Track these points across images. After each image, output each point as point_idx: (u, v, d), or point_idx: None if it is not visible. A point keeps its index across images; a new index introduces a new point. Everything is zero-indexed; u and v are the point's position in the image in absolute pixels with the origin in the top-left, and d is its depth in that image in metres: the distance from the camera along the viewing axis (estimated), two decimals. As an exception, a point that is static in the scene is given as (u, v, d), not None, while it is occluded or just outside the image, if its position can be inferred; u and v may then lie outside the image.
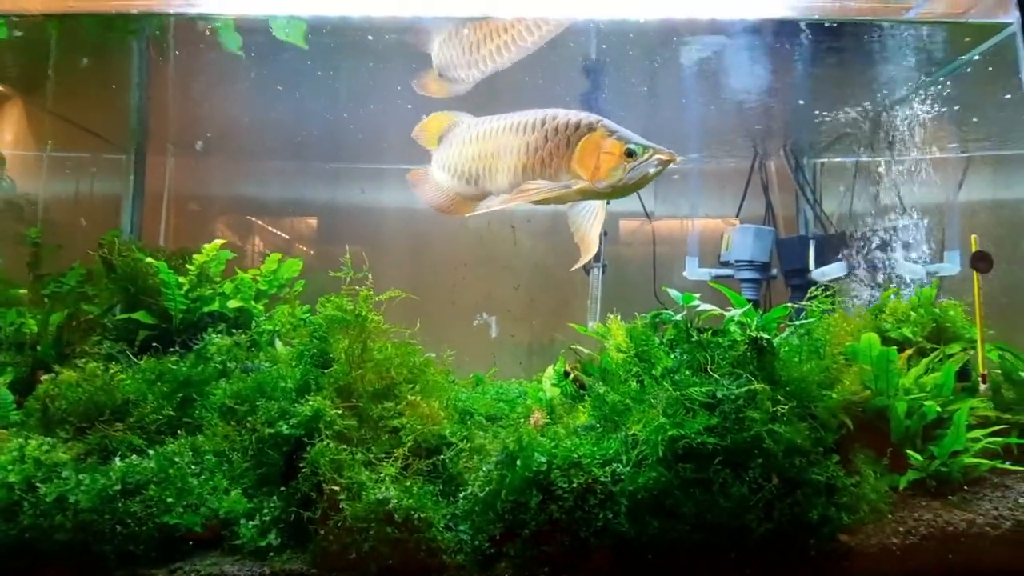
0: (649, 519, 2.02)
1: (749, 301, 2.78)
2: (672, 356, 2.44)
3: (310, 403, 2.22)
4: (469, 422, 2.64)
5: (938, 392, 2.47)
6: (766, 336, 2.29)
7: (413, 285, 2.63)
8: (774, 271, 4.43)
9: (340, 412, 2.24)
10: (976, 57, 3.38)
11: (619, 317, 2.74)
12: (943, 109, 3.70)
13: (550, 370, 3.09)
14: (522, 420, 2.62)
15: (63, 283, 3.43)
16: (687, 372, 2.28)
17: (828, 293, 2.88)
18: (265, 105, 4.21)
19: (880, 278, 3.77)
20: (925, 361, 2.57)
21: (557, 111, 2.53)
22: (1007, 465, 2.36)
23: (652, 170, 2.38)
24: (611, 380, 2.50)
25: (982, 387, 2.57)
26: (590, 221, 2.61)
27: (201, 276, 3.17)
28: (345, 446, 2.14)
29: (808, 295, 2.88)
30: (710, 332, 2.48)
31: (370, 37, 3.28)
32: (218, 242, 3.22)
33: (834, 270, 4.00)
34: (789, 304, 2.79)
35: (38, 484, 2.05)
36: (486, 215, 2.79)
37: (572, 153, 2.43)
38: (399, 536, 1.96)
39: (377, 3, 3.13)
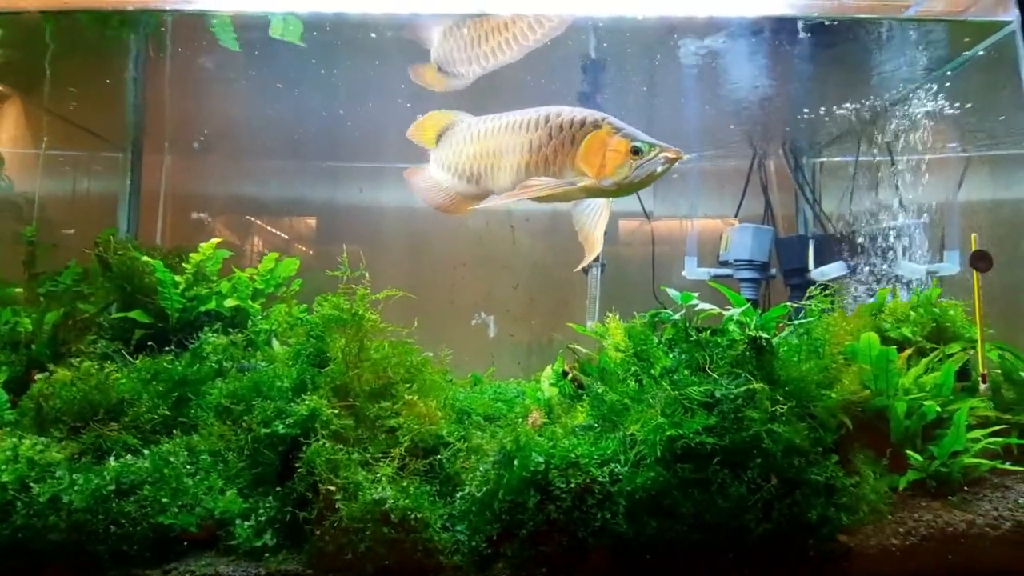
0: (647, 519, 2.01)
1: (748, 301, 2.77)
2: (671, 355, 2.42)
3: (306, 402, 2.21)
4: (467, 422, 2.63)
5: (938, 392, 2.45)
6: (765, 335, 2.28)
7: (411, 284, 2.62)
8: (773, 271, 4.42)
9: (336, 412, 2.22)
10: (975, 56, 3.37)
11: (618, 317, 2.73)
12: (942, 108, 3.69)
13: (548, 370, 3.08)
14: (520, 420, 2.60)
15: (59, 282, 3.42)
16: (686, 371, 2.27)
17: (827, 293, 2.86)
18: (263, 103, 4.20)
19: (880, 278, 3.77)
20: (925, 361, 2.56)
21: (561, 108, 2.51)
22: (1007, 465, 2.35)
23: (659, 168, 2.36)
24: (609, 380, 2.49)
25: (982, 387, 2.56)
26: (594, 220, 2.59)
27: (198, 275, 3.16)
28: (341, 446, 2.13)
29: (807, 295, 2.87)
30: (709, 331, 2.47)
31: (374, 35, 3.26)
32: (215, 241, 3.21)
33: (833, 270, 3.99)
34: (788, 304, 2.78)
35: (32, 484, 2.04)
36: (484, 215, 2.78)
37: (577, 150, 2.41)
38: (395, 536, 1.95)
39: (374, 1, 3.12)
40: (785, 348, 2.37)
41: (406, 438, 2.23)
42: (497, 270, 4.75)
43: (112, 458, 2.19)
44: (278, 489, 2.14)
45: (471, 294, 4.61)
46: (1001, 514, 2.17)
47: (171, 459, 2.18)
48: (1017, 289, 3.39)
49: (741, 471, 2.03)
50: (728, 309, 2.64)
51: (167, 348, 2.79)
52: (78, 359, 2.55)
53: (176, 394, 2.52)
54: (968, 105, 3.71)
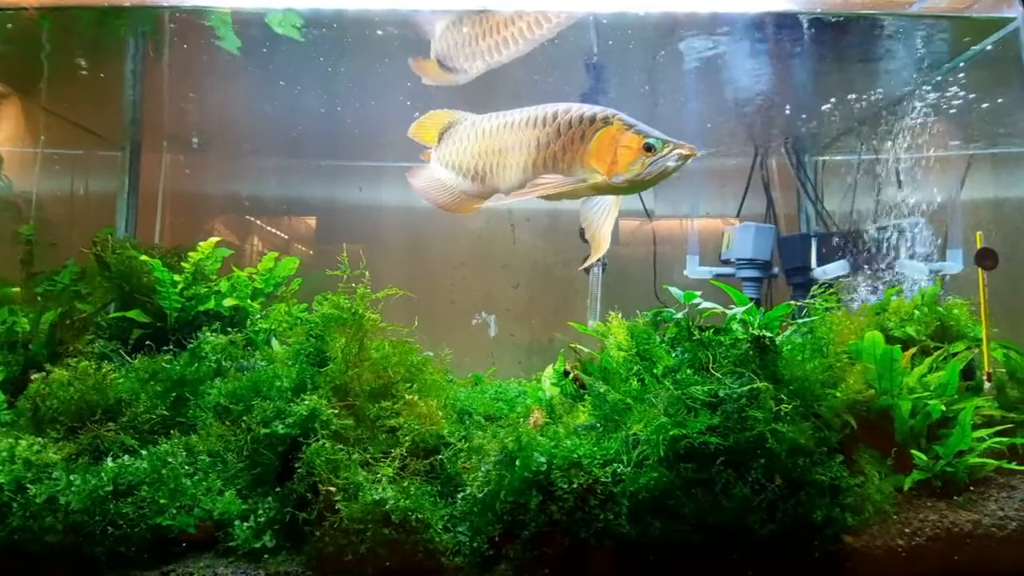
0: (650, 520, 1.99)
1: (750, 299, 2.75)
2: (673, 355, 2.41)
3: (306, 402, 2.19)
4: (468, 422, 2.62)
5: (942, 391, 2.44)
6: (769, 334, 2.27)
7: (412, 284, 2.61)
8: (775, 269, 4.40)
9: (336, 412, 2.21)
10: (978, 53, 3.35)
11: (620, 315, 2.71)
12: (945, 106, 3.67)
13: (550, 369, 3.06)
14: (521, 420, 2.59)
15: (56, 281, 3.40)
16: (689, 371, 2.25)
17: (831, 291, 2.85)
18: (262, 101, 4.18)
19: (883, 277, 3.75)
20: (929, 360, 2.54)
21: (569, 105, 2.47)
22: (1013, 465, 2.33)
23: (672, 164, 2.33)
24: (612, 379, 2.48)
25: (987, 386, 2.54)
26: (602, 218, 2.56)
27: (196, 274, 3.14)
28: (341, 446, 2.12)
29: (810, 293, 2.85)
30: (712, 330, 2.45)
31: (380, 32, 3.24)
32: (214, 240, 3.19)
33: (836, 268, 3.98)
34: (791, 302, 2.76)
35: (28, 485, 2.02)
36: (485, 214, 2.76)
37: (587, 147, 2.38)
38: (396, 538, 1.93)
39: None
40: (789, 347, 2.35)
41: (407, 438, 2.21)
42: (497, 269, 4.73)
43: (110, 459, 2.17)
44: (277, 490, 2.12)
45: (471, 293, 4.60)
46: (1007, 514, 2.15)
47: (169, 460, 2.17)
48: (1021, 287, 3.38)
49: (745, 471, 2.01)
50: (731, 308, 2.62)
51: (165, 348, 2.77)
52: (75, 359, 2.53)
53: (174, 394, 2.50)
54: (971, 103, 3.70)
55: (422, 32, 3.10)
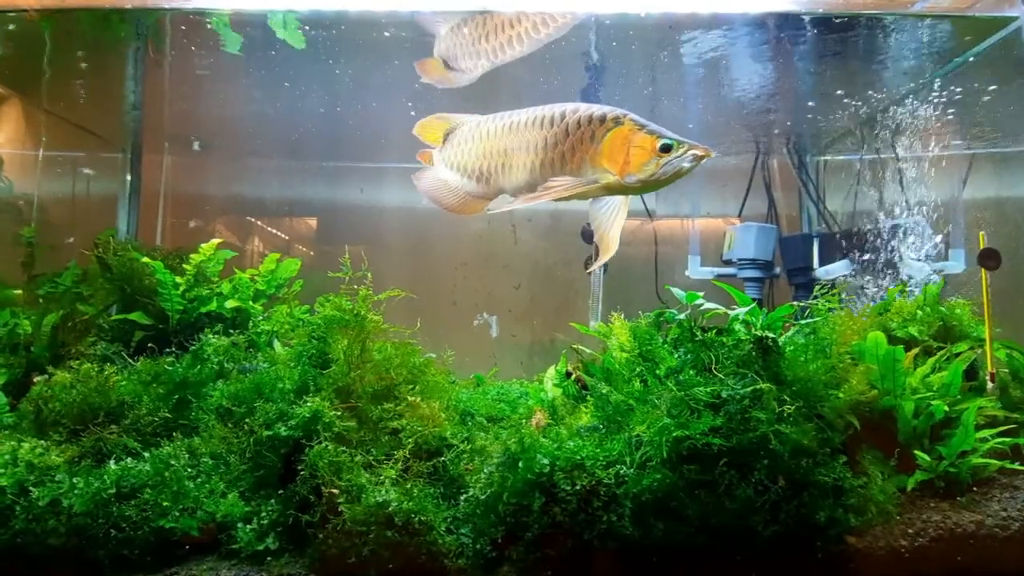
0: (653, 521, 1.99)
1: (752, 300, 2.75)
2: (676, 356, 2.40)
3: (308, 404, 2.19)
4: (470, 423, 2.61)
5: (945, 391, 2.43)
6: (771, 335, 2.26)
7: (413, 285, 2.61)
8: (777, 270, 4.40)
9: (339, 413, 2.21)
10: (980, 52, 3.34)
11: (622, 316, 2.71)
12: (947, 106, 3.67)
13: (552, 370, 3.06)
14: (524, 421, 2.59)
15: (58, 283, 3.40)
16: (691, 372, 2.25)
17: (833, 292, 2.84)
18: (263, 103, 4.18)
19: (885, 276, 3.74)
20: (932, 360, 2.54)
21: (577, 105, 2.45)
22: (1016, 465, 2.32)
23: (687, 165, 2.32)
24: (614, 380, 2.47)
25: (990, 386, 2.54)
26: (611, 219, 2.54)
27: (198, 276, 3.14)
28: (344, 448, 2.11)
29: (812, 294, 2.85)
30: (714, 331, 2.45)
31: (388, 34, 3.23)
32: (215, 242, 3.19)
33: (838, 268, 3.97)
34: (793, 303, 2.75)
35: (31, 488, 2.03)
36: (485, 214, 2.74)
37: (598, 147, 2.35)
38: (399, 540, 1.93)
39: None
40: (791, 348, 2.35)
41: (409, 440, 2.21)
42: (499, 270, 4.73)
43: (112, 461, 2.17)
44: (280, 492, 2.12)
45: (473, 294, 4.60)
46: (1010, 515, 2.15)
47: (172, 462, 2.17)
48: (1023, 286, 3.37)
49: (748, 472, 2.01)
50: (733, 308, 2.62)
51: (168, 350, 2.77)
52: (78, 361, 2.53)
53: (177, 396, 2.50)
54: (973, 102, 3.69)
55: (427, 32, 3.09)
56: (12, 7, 3.13)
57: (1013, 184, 4.24)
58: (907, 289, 3.30)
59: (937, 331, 2.78)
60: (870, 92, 3.82)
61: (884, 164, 4.00)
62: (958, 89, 3.61)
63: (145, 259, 3.09)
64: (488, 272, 4.75)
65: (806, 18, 3.13)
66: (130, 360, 2.72)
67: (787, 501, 1.99)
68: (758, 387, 2.10)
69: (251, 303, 3.24)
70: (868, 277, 3.82)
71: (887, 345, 2.40)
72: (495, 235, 4.65)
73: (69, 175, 4.61)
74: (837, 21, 3.16)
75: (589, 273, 3.95)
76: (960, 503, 2.21)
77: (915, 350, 2.57)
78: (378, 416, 2.28)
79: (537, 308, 4.63)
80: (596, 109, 2.41)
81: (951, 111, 3.69)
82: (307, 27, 3.17)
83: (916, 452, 2.29)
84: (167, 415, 2.42)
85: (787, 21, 3.19)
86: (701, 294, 2.64)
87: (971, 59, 3.42)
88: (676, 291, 2.72)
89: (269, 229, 5.10)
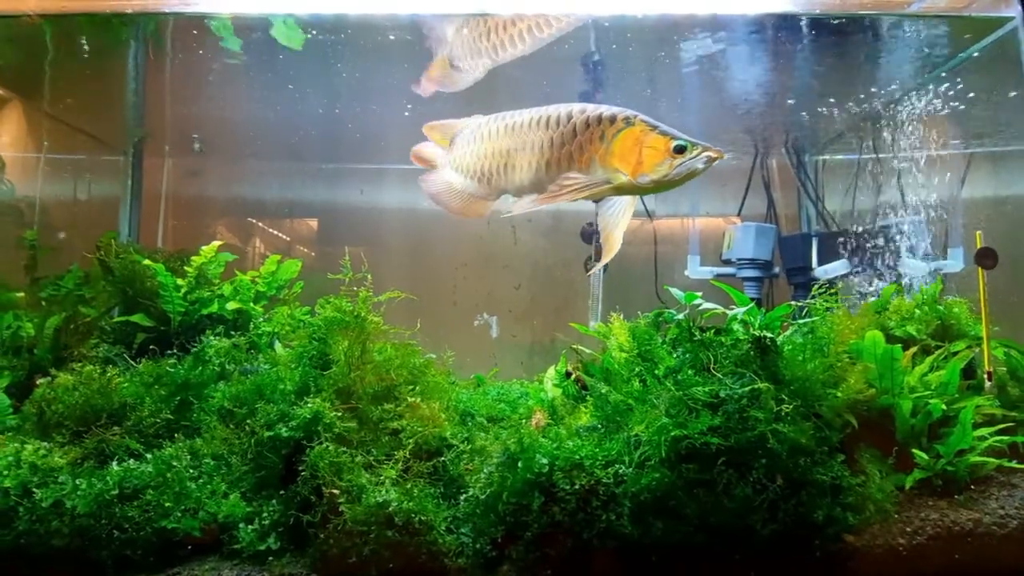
0: (652, 521, 1.99)
1: (751, 299, 2.76)
2: (675, 355, 2.41)
3: (309, 405, 2.20)
4: (470, 423, 2.62)
5: (943, 390, 2.44)
6: (770, 335, 2.27)
7: (413, 285, 2.61)
8: (776, 269, 4.40)
9: (340, 414, 2.22)
10: (977, 52, 3.35)
11: (621, 316, 2.72)
12: (945, 105, 3.67)
13: (551, 370, 3.07)
14: (523, 421, 2.59)
15: (60, 286, 3.41)
16: (690, 371, 2.26)
17: (831, 291, 2.85)
18: (263, 105, 4.19)
19: (884, 276, 3.75)
20: (930, 359, 2.54)
21: (584, 105, 2.44)
22: (1014, 463, 2.33)
23: (700, 166, 2.32)
24: (613, 380, 2.48)
25: (987, 384, 2.54)
26: (618, 219, 2.54)
27: (199, 278, 3.15)
28: (345, 448, 2.12)
29: (811, 293, 2.86)
30: (713, 331, 2.46)
31: (391, 37, 3.24)
32: (216, 244, 3.20)
33: (837, 268, 3.98)
34: (792, 302, 2.76)
35: (34, 489, 2.04)
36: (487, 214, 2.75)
37: (608, 147, 2.34)
38: (400, 539, 1.94)
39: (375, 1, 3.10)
40: (790, 347, 2.35)
41: (410, 440, 2.22)
42: (499, 270, 4.74)
43: (115, 463, 2.18)
44: (282, 492, 2.13)
45: (473, 295, 4.61)
46: (1008, 512, 2.15)
47: (174, 463, 2.18)
48: (1021, 285, 3.38)
49: (746, 471, 2.01)
50: (732, 308, 2.63)
51: (169, 352, 2.78)
52: (80, 363, 2.54)
53: (179, 398, 2.51)
54: (970, 102, 3.70)
55: (431, 33, 3.09)
56: (14, 11, 3.15)
57: (1011, 183, 4.25)
58: (903, 288, 3.30)
59: (935, 330, 2.79)
60: (868, 91, 3.83)
61: (882, 164, 4.01)
62: (956, 88, 3.61)
63: (147, 261, 3.09)
64: (488, 272, 4.75)
65: (803, 19, 3.14)
66: (132, 362, 2.72)
67: (785, 500, 2.00)
68: (756, 386, 2.11)
69: (252, 305, 3.25)
70: (864, 274, 3.83)
71: (885, 344, 2.41)
72: (495, 236, 4.66)
73: (71, 178, 4.62)
74: (835, 21, 3.17)
75: (589, 274, 3.96)
76: (958, 501, 2.22)
77: (913, 349, 2.58)
78: (378, 417, 2.29)
79: (537, 308, 4.64)
80: (605, 109, 2.40)
81: (948, 110, 3.70)
82: (310, 31, 3.19)
83: (914, 450, 2.30)
84: (169, 416, 2.43)
85: (785, 21, 3.20)
86: (699, 294, 2.65)
87: (968, 59, 3.42)
88: (675, 291, 2.73)
89: (270, 231, 5.11)
